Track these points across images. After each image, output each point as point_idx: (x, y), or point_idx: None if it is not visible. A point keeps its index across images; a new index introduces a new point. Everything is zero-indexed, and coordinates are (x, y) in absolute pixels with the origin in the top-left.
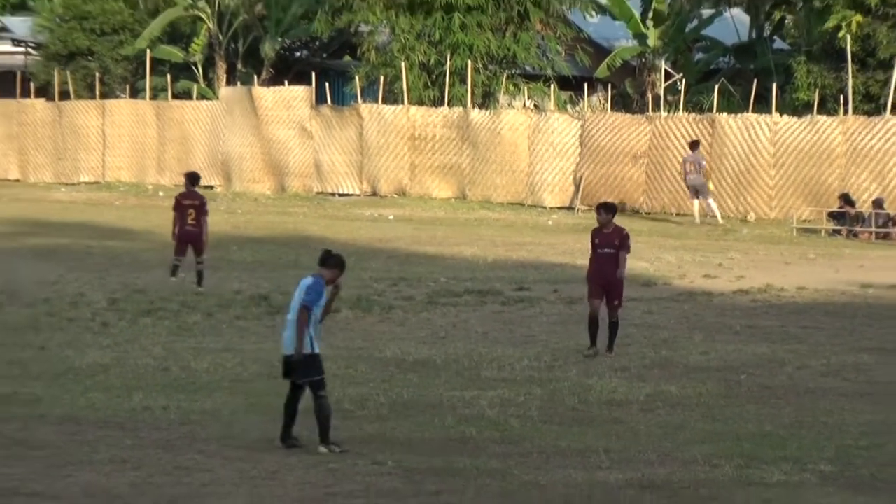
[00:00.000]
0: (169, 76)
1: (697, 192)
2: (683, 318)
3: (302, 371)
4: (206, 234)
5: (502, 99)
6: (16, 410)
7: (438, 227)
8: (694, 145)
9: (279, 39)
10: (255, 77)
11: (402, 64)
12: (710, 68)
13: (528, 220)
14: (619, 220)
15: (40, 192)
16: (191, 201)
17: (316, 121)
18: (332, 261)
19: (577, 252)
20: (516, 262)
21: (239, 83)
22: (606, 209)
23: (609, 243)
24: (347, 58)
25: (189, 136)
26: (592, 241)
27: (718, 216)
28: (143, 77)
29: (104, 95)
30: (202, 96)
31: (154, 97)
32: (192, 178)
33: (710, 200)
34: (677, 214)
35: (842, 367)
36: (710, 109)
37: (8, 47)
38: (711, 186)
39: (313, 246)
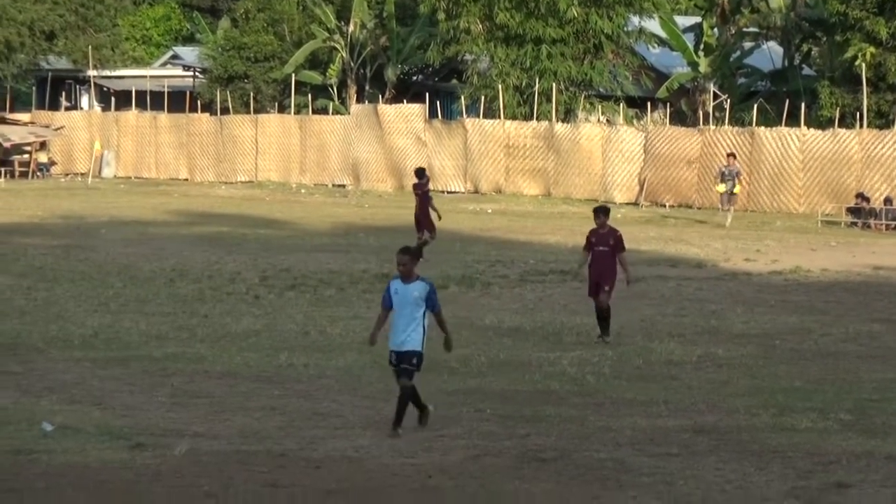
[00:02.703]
0: (310, 96)
1: (730, 199)
2: (728, 294)
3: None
4: (427, 216)
5: (581, 115)
6: (183, 366)
7: (528, 219)
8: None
9: (399, 66)
10: (380, 96)
11: (500, 86)
12: (750, 90)
13: None
14: (677, 213)
15: (204, 190)
16: (415, 191)
17: (429, 132)
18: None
19: (642, 239)
20: None
21: (367, 101)
22: (604, 213)
23: (604, 242)
24: (455, 81)
25: (326, 145)
26: (589, 241)
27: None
28: (289, 96)
29: (257, 111)
30: (337, 112)
31: (297, 113)
32: (417, 172)
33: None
34: (722, 210)
35: (858, 335)
36: (751, 124)
37: (179, 72)
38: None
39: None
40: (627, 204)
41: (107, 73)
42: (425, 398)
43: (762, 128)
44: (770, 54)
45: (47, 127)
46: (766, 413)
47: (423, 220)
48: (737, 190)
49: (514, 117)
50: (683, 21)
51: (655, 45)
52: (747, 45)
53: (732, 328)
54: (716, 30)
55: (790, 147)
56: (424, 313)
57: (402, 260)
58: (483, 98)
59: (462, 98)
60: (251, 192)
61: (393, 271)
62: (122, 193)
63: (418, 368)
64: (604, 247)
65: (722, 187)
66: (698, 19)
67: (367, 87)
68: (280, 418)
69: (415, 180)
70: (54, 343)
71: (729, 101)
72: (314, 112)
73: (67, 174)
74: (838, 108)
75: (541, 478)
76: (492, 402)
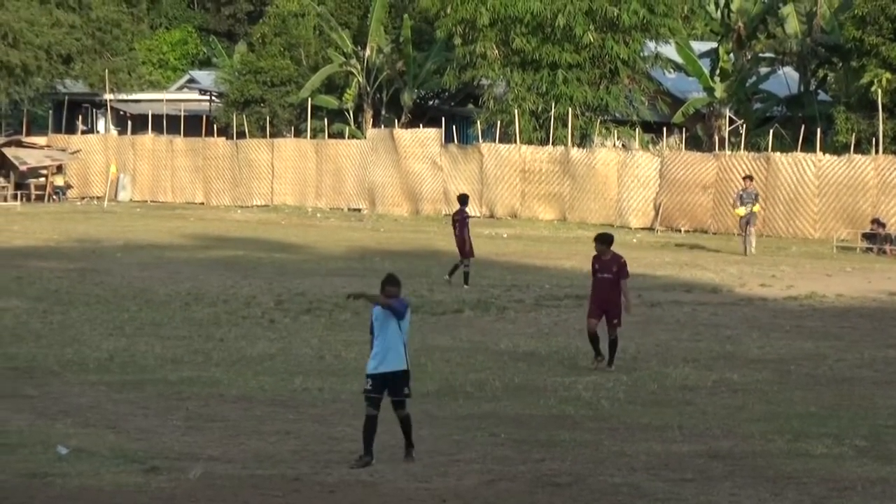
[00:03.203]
0: (326, 120)
1: (748, 223)
2: (743, 319)
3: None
4: (466, 242)
5: (596, 140)
6: (198, 390)
7: (543, 243)
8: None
9: (416, 90)
10: (396, 121)
11: (516, 111)
12: (766, 116)
13: (617, 239)
14: (693, 239)
15: (220, 213)
16: (456, 217)
17: (445, 157)
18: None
19: (657, 265)
20: None
21: (383, 126)
22: (601, 240)
23: (607, 269)
24: (471, 106)
25: (342, 169)
26: (593, 267)
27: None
28: (305, 120)
29: (273, 135)
30: (353, 136)
31: (314, 137)
32: (460, 198)
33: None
34: (739, 235)
35: (873, 360)
36: (766, 149)
37: (196, 96)
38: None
39: (442, 258)
40: (643, 229)
41: (123, 96)
42: (442, 422)
43: (778, 153)
44: (786, 80)
45: (63, 150)
46: (781, 439)
47: (465, 245)
48: (756, 209)
49: (529, 142)
50: (699, 46)
51: (671, 70)
52: (763, 70)
53: (748, 353)
54: (732, 55)
55: (806, 172)
56: (401, 328)
57: (389, 291)
58: (499, 123)
59: (478, 123)
60: (267, 216)
61: (408, 296)
62: (137, 217)
63: (410, 392)
64: (607, 274)
65: (742, 210)
66: (714, 45)
67: (383, 112)
68: (295, 442)
69: (457, 206)
70: (69, 366)
71: (745, 126)
72: (330, 136)
73: (83, 198)
74: (854, 134)
75: (555, 503)
76: (506, 427)
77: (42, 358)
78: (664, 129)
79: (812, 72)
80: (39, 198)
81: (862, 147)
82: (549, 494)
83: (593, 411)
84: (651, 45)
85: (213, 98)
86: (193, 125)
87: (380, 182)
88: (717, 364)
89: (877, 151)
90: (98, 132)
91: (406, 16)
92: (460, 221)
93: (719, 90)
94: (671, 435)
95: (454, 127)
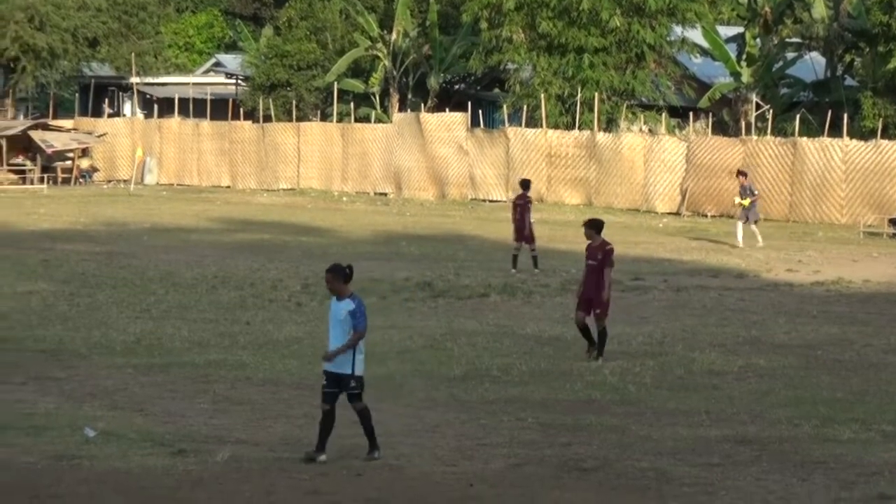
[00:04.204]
0: (352, 104)
1: (748, 216)
2: (770, 304)
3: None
4: (527, 227)
5: (623, 124)
6: (225, 373)
7: (569, 228)
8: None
9: (442, 74)
10: (422, 105)
11: (542, 95)
12: (792, 101)
13: (643, 223)
14: (724, 224)
15: (246, 197)
16: (518, 201)
17: (471, 141)
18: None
19: (683, 249)
20: (633, 257)
21: (409, 110)
22: (589, 225)
23: (593, 256)
24: (497, 90)
25: (368, 153)
26: (585, 255)
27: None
28: (331, 104)
29: (299, 119)
30: (379, 120)
31: (340, 121)
32: (523, 183)
33: (746, 225)
34: (765, 220)
35: None
36: (793, 134)
37: (222, 79)
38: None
39: (468, 242)
40: (669, 214)
41: (149, 80)
42: (469, 406)
43: (804, 138)
44: (813, 65)
45: (90, 134)
46: (808, 424)
47: (524, 230)
48: (746, 202)
49: (556, 126)
50: (726, 31)
51: (698, 55)
52: (790, 55)
53: (774, 339)
54: (758, 40)
55: (833, 158)
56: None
57: (326, 277)
58: (525, 107)
59: (504, 107)
60: (293, 199)
61: (434, 279)
62: (164, 200)
63: (362, 390)
64: (593, 261)
65: (747, 201)
66: (741, 29)
67: (409, 96)
68: None
69: (520, 191)
70: (97, 349)
71: (771, 111)
72: (356, 120)
73: (110, 181)
74: (881, 119)
75: (582, 487)
76: (533, 411)
77: (69, 340)
78: (690, 113)
79: (839, 57)
80: (66, 181)
81: (889, 132)
82: (576, 478)
83: (620, 396)
84: (678, 29)
85: (240, 82)
86: (220, 109)
87: (406, 166)
88: (744, 349)
89: None
90: (124, 115)
91: (432, 0)
92: (522, 206)
93: (746, 75)
94: (698, 420)
95: (480, 111)
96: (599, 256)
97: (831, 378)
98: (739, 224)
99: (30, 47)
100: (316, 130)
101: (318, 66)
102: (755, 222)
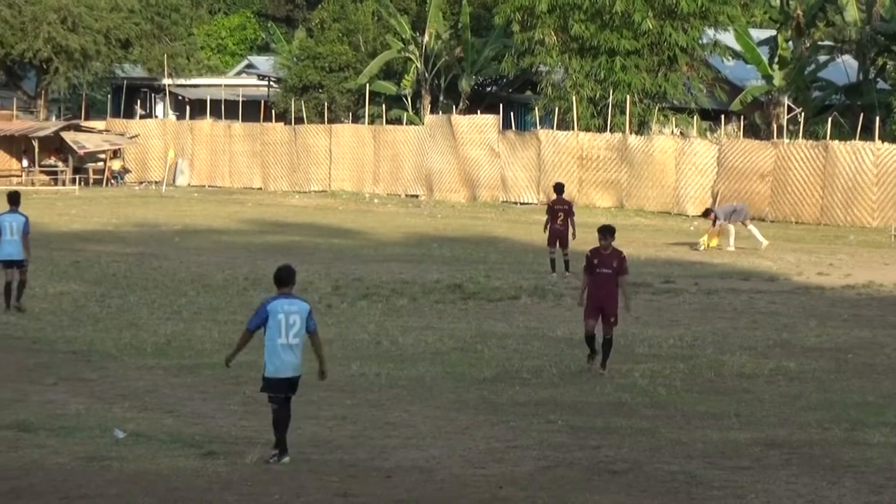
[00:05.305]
0: (384, 106)
1: (740, 219)
2: (801, 307)
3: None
4: (571, 233)
5: (654, 127)
6: (255, 375)
7: None
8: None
9: (474, 77)
10: (454, 107)
11: (574, 98)
12: (824, 104)
13: (674, 226)
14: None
15: (278, 199)
16: (560, 206)
17: (502, 143)
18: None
19: (715, 252)
20: (664, 260)
21: (440, 112)
22: (610, 233)
23: (607, 264)
24: (529, 92)
25: (399, 155)
26: (591, 262)
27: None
28: (363, 106)
29: (331, 121)
30: (411, 122)
31: (371, 123)
32: (558, 188)
33: (736, 224)
34: (796, 223)
35: None
36: (825, 137)
37: (254, 81)
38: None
39: (499, 245)
40: (700, 216)
41: (181, 81)
42: (499, 408)
43: (836, 141)
44: (845, 68)
45: (122, 135)
46: (838, 427)
47: (566, 235)
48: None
49: (587, 129)
50: (758, 34)
51: (730, 58)
52: (822, 58)
53: (805, 342)
54: (790, 43)
55: (864, 161)
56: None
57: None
58: (557, 109)
59: (536, 109)
60: (324, 201)
61: (465, 282)
62: (195, 202)
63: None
64: (607, 269)
65: (716, 230)
66: (773, 32)
67: (441, 98)
68: (351, 428)
69: (554, 196)
70: (127, 350)
71: (803, 114)
72: (388, 122)
73: (141, 182)
74: None
75: (611, 490)
76: (563, 414)
77: (100, 342)
78: (722, 116)
79: (871, 60)
80: (98, 182)
81: None
82: (606, 481)
83: (650, 398)
84: (710, 32)
85: (272, 83)
86: (251, 110)
87: (437, 168)
88: (774, 352)
89: None
90: (156, 117)
91: (464, 2)
92: (566, 211)
93: (778, 78)
94: (728, 423)
95: (512, 113)
96: (614, 265)
97: (862, 382)
98: (752, 228)
99: (62, 48)
100: (347, 132)
101: (350, 67)
102: (734, 224)
